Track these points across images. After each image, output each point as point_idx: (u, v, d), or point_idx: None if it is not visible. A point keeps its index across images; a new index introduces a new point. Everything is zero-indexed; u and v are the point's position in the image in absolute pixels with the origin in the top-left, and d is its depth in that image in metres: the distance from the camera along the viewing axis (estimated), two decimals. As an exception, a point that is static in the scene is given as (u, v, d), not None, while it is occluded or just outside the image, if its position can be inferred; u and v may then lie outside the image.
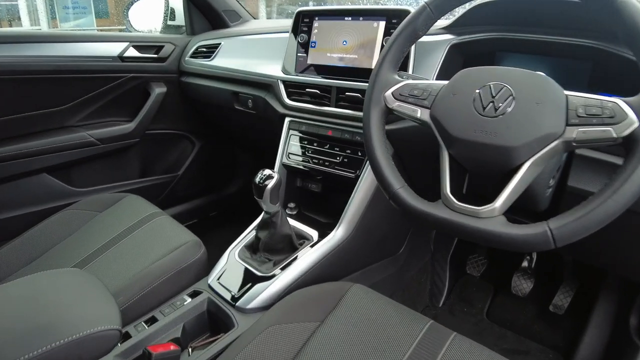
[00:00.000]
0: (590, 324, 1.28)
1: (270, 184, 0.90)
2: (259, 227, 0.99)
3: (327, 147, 1.11)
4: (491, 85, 0.63)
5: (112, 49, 1.43)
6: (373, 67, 1.01)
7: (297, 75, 1.14)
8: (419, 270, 1.51)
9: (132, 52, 1.47)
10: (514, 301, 1.48)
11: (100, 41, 1.42)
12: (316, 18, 1.11)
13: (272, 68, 1.21)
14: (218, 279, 0.98)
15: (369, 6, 1.06)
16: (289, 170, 1.19)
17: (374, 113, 0.74)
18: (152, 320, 0.88)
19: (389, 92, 0.73)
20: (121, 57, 1.44)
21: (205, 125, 1.75)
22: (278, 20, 1.82)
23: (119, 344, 0.83)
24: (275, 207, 0.94)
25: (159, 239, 1.06)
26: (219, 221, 1.92)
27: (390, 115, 0.75)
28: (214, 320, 0.93)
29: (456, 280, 1.56)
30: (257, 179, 0.91)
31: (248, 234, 1.08)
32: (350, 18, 1.06)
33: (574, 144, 0.57)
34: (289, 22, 1.19)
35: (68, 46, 1.35)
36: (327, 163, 1.10)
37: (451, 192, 0.64)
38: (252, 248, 1.03)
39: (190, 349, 0.86)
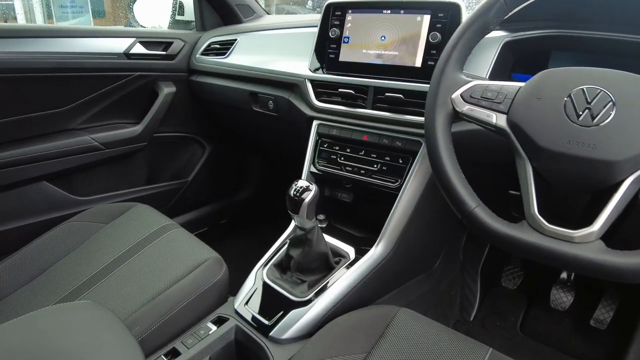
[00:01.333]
0: (635, 340, 1.20)
1: (309, 197, 0.79)
2: (292, 245, 0.88)
3: (362, 153, 1.00)
4: (585, 90, 0.55)
5: (118, 45, 1.31)
6: (417, 64, 0.91)
7: (327, 74, 1.03)
8: (450, 282, 1.41)
9: (138, 49, 1.35)
10: (550, 314, 1.39)
11: (105, 36, 1.30)
12: (349, 11, 1.00)
13: (297, 66, 1.10)
14: (246, 303, 0.87)
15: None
16: (317, 179, 1.08)
17: (440, 118, 0.64)
18: (173, 354, 0.78)
19: (457, 94, 0.64)
20: (127, 54, 1.33)
21: (216, 127, 1.64)
22: (298, 15, 1.70)
23: None
24: (311, 223, 0.84)
25: (175, 256, 0.95)
26: (230, 229, 1.81)
27: (456, 120, 0.65)
28: (244, 351, 0.82)
29: (487, 291, 1.47)
30: (293, 192, 0.80)
31: (276, 251, 0.97)
32: (389, 11, 0.95)
33: None
34: (312, 17, 1.08)
35: (69, 42, 1.23)
36: (362, 171, 0.99)
37: (545, 210, 0.55)
38: (282, 267, 0.93)
39: None
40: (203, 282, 0.88)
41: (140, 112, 1.42)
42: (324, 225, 1.06)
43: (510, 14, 0.65)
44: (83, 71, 1.25)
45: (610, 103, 0.53)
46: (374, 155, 0.98)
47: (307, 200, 0.79)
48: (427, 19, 0.90)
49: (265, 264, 0.94)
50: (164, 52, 1.42)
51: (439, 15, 0.88)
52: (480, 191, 0.63)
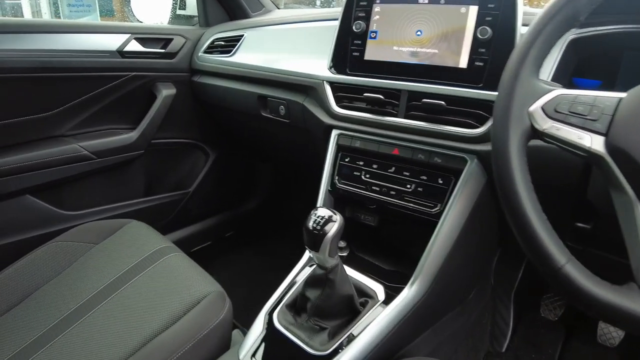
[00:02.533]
0: None
1: (332, 230, 0.63)
2: (309, 285, 0.72)
3: (392, 170, 0.84)
4: None
5: (111, 42, 1.16)
6: (462, 65, 0.75)
7: (350, 75, 0.87)
8: (481, 310, 1.25)
9: (134, 46, 1.20)
10: (595, 349, 1.22)
11: (96, 32, 1.16)
12: (377, 1, 0.84)
13: (313, 65, 0.95)
14: (253, 354, 0.71)
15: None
16: (335, 198, 0.92)
17: (515, 137, 0.48)
18: None
19: (536, 107, 0.48)
20: (121, 52, 1.18)
21: (221, 132, 1.48)
22: (312, 9, 1.54)
23: None
24: (333, 261, 0.68)
25: (172, 288, 0.81)
26: (236, 242, 1.66)
27: (533, 139, 0.49)
28: None
29: (521, 319, 1.30)
30: (312, 223, 0.64)
31: (288, 287, 0.82)
32: (426, 1, 0.79)
33: None
34: (330, 10, 0.92)
35: (56, 38, 1.08)
36: (393, 192, 0.83)
37: None
38: (296, 308, 0.77)
39: None
40: (203, 324, 0.74)
41: (136, 117, 1.27)
42: (344, 254, 0.90)
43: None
44: (71, 71, 1.11)
45: None
46: (407, 174, 0.82)
47: (330, 234, 0.63)
48: (473, 10, 0.74)
49: (277, 304, 0.78)
50: (162, 50, 1.27)
51: (489, 5, 0.72)
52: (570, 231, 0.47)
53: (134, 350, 0.69)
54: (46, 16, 3.56)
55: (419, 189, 0.80)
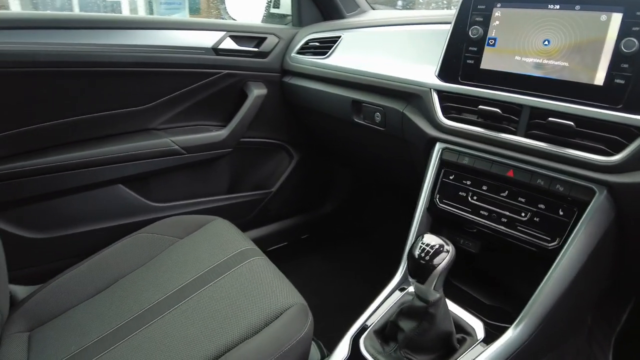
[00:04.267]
0: None
1: (443, 262, 0.57)
2: (404, 315, 0.66)
3: (504, 194, 0.75)
4: None
5: (206, 39, 1.17)
6: (597, 82, 0.64)
7: (463, 85, 0.79)
8: (574, 355, 1.10)
9: (228, 44, 1.20)
10: None
11: (193, 29, 1.17)
12: (498, 4, 0.75)
13: (418, 71, 0.88)
14: (338, 382, 0.67)
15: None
16: (433, 217, 0.85)
17: None
18: None
19: None
20: (216, 50, 1.18)
21: (307, 135, 1.46)
22: (415, 11, 1.46)
23: None
24: (437, 295, 0.61)
25: (254, 296, 0.78)
26: (311, 245, 1.63)
27: None
28: None
29: None
30: (419, 251, 0.58)
31: (376, 309, 0.76)
32: (557, 6, 0.69)
33: None
34: (438, 13, 0.85)
35: (154, 34, 1.11)
36: (504, 219, 0.74)
37: None
38: (384, 336, 0.71)
39: None
40: (285, 339, 0.71)
41: (226, 115, 1.28)
42: (438, 281, 0.82)
43: None
44: (167, 67, 1.13)
45: None
46: (523, 200, 0.72)
47: (440, 266, 0.57)
48: (617, 18, 0.62)
49: (363, 329, 0.73)
50: (256, 49, 1.26)
51: (637, 13, 0.61)
52: None
53: (218, 356, 0.67)
54: (141, 12, 3.80)
55: (535, 218, 0.71)
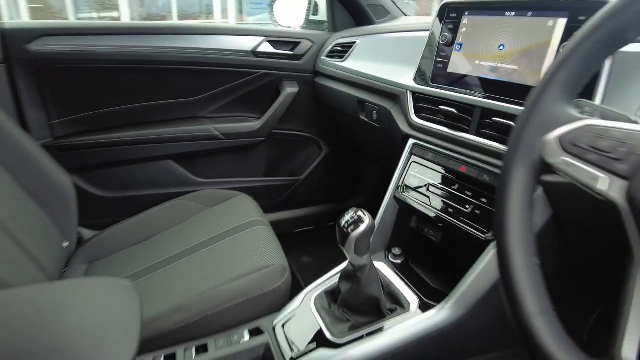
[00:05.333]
0: None
1: (358, 230, 0.67)
2: (342, 278, 0.77)
3: (455, 187, 0.82)
4: None
5: (247, 43, 1.37)
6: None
7: (431, 87, 0.87)
8: None
9: (266, 48, 1.39)
10: None
11: (236, 34, 1.37)
12: (466, 13, 0.82)
13: (402, 74, 0.97)
14: (284, 323, 0.80)
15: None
16: (402, 206, 0.93)
17: (520, 171, 0.44)
18: (203, 349, 0.78)
19: (553, 136, 0.42)
20: (255, 52, 1.38)
21: (334, 130, 1.59)
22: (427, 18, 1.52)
23: None
24: (361, 260, 0.71)
25: (247, 253, 0.96)
26: (334, 233, 1.76)
27: (546, 173, 0.45)
28: None
29: None
30: (343, 221, 0.70)
31: (335, 275, 0.88)
32: (513, 13, 0.74)
33: None
34: (429, 20, 0.93)
35: (204, 39, 1.33)
36: (450, 210, 0.81)
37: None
38: (334, 297, 0.83)
39: None
40: (258, 288, 0.86)
41: (262, 108, 1.47)
42: (398, 262, 0.91)
43: None
44: (214, 66, 1.35)
45: None
46: (469, 194, 0.79)
47: (354, 234, 0.67)
48: (561, 23, 0.67)
49: (319, 288, 0.85)
50: (290, 52, 1.43)
51: (580, 19, 0.65)
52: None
53: (201, 292, 0.85)
54: (232, 11, 4.22)
55: (476, 211, 0.77)
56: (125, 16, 7.45)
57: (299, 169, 1.63)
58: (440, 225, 0.86)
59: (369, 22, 1.42)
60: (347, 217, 0.70)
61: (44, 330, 0.53)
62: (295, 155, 1.62)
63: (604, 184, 0.37)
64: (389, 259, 0.92)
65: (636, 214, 0.35)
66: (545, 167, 0.44)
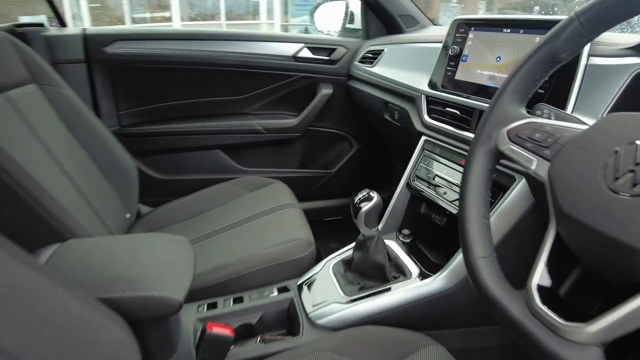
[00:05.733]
0: None
1: (367, 206, 0.83)
2: (355, 247, 0.94)
3: (456, 178, 0.96)
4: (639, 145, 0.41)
5: (288, 48, 1.55)
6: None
7: (441, 91, 1.02)
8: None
9: (305, 53, 1.57)
10: None
11: (278, 41, 1.56)
12: (472, 29, 0.96)
13: (419, 80, 1.11)
14: (307, 284, 0.97)
15: (532, 16, 0.85)
16: (413, 194, 1.08)
17: (480, 153, 0.59)
18: (239, 300, 0.95)
19: (504, 130, 0.57)
20: (295, 57, 1.56)
21: (365, 129, 1.75)
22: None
23: (204, 310, 0.93)
24: (370, 232, 0.87)
25: (279, 228, 1.13)
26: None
27: (501, 158, 0.59)
28: (291, 320, 0.93)
29: None
30: (356, 199, 0.86)
31: (351, 248, 1.04)
32: (509, 30, 0.87)
33: None
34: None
35: (251, 44, 1.53)
36: (453, 197, 0.95)
37: (551, 287, 0.46)
38: (349, 265, 0.99)
39: (260, 339, 0.89)
40: (286, 255, 1.03)
41: (300, 107, 1.65)
42: (407, 241, 1.06)
43: (589, 41, 0.54)
44: (259, 69, 1.54)
45: None
46: (465, 183, 0.93)
47: (364, 209, 0.84)
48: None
49: (337, 257, 1.02)
50: (327, 57, 1.60)
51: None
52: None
53: (239, 257, 1.03)
54: (277, 12, 4.43)
55: (470, 197, 0.91)
56: (175, 16, 7.90)
57: (330, 163, 1.80)
58: (446, 212, 1.00)
59: (399, 31, 1.56)
60: (360, 195, 0.86)
61: (125, 264, 0.73)
62: (327, 150, 1.79)
63: (535, 165, 0.52)
64: (399, 238, 1.07)
65: (552, 186, 0.48)
66: (498, 154, 0.58)
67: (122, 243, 0.83)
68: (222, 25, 7.31)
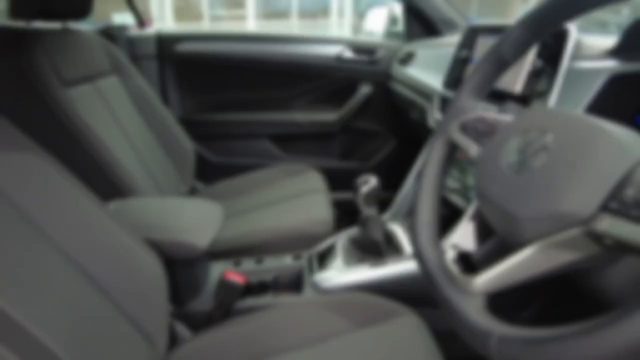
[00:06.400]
0: None
1: (363, 189, 0.97)
2: (357, 224, 1.07)
3: (462, 174, 1.06)
4: (535, 132, 0.50)
5: (332, 50, 1.71)
6: (517, 90, 0.90)
7: (452, 90, 1.11)
8: None
9: (348, 54, 1.71)
10: None
11: (322, 43, 1.73)
12: (480, 35, 1.04)
13: (437, 81, 1.21)
14: (317, 253, 1.12)
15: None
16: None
17: (438, 141, 0.71)
18: (260, 261, 1.13)
19: (457, 121, 0.68)
20: (338, 58, 1.71)
21: (401, 127, 1.85)
22: None
23: (230, 266, 1.12)
24: (369, 211, 1.01)
25: (304, 209, 1.29)
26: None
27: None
28: (299, 282, 1.09)
29: None
30: (358, 181, 1.00)
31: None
32: (511, 36, 0.95)
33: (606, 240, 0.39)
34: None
35: (299, 46, 1.71)
36: (455, 192, 1.05)
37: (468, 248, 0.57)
38: (356, 243, 1.13)
39: (272, 294, 1.05)
40: (306, 229, 1.19)
41: (341, 104, 1.80)
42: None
43: (531, 45, 0.62)
44: (304, 68, 1.72)
45: (543, 149, 0.47)
46: (471, 177, 1.02)
47: (361, 191, 0.97)
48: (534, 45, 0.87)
49: (346, 234, 1.16)
50: (367, 58, 1.73)
51: (548, 41, 0.85)
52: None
53: (273, 224, 1.20)
54: (348, 11, 4.54)
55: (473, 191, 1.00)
56: (250, 13, 8.30)
57: (366, 157, 1.93)
58: (450, 201, 1.10)
59: (437, 34, 1.64)
60: (360, 179, 1.00)
61: (167, 216, 0.94)
62: (364, 145, 1.92)
63: (471, 149, 0.62)
64: (406, 222, 1.18)
65: (478, 165, 0.58)
66: (453, 141, 0.69)
67: (169, 202, 1.05)
68: (293, 25, 7.61)
